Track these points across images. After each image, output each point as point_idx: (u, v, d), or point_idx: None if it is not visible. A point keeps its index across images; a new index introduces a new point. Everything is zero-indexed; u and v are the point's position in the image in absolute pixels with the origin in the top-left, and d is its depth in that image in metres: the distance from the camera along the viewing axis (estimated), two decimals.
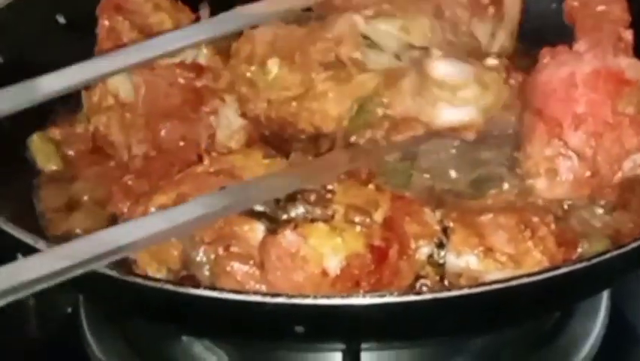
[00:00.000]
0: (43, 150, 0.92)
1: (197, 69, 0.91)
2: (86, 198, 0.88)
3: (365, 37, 0.87)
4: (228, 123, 0.90)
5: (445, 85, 0.81)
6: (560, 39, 0.90)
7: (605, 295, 0.94)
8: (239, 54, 0.91)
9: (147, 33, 0.94)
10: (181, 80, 0.89)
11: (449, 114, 0.82)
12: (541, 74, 0.85)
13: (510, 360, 0.87)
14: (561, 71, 0.84)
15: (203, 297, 0.65)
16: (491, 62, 0.82)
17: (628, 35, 0.90)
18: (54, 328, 0.98)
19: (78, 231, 0.84)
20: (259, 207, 0.74)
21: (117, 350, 0.91)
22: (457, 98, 0.81)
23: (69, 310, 0.96)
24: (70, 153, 0.93)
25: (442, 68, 0.79)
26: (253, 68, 0.89)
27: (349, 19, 0.86)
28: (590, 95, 0.82)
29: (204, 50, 0.92)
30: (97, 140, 0.91)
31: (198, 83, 0.90)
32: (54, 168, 0.92)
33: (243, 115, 0.90)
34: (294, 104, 0.86)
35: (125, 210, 0.79)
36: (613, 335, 0.92)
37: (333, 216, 0.73)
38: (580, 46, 0.87)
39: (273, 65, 0.88)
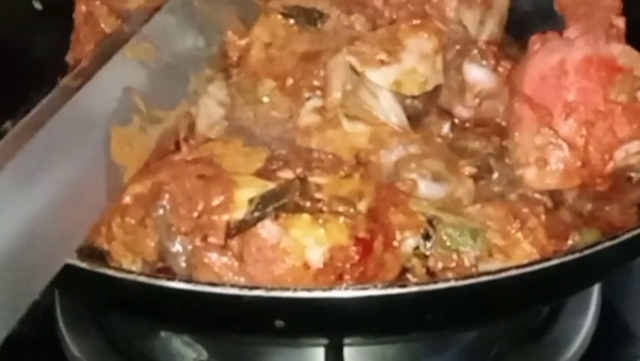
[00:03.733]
0: None
1: None
2: None
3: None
4: (208, 113, 0.88)
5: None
6: (550, 27, 0.88)
7: (596, 290, 0.92)
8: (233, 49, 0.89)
9: (126, 18, 0.91)
10: None
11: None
12: (531, 61, 0.84)
13: (499, 356, 0.85)
14: (551, 57, 0.82)
15: (178, 290, 0.63)
16: (468, 170, 0.80)
17: (620, 22, 0.88)
18: (30, 325, 0.95)
19: None
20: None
21: (94, 346, 0.89)
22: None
23: (45, 307, 0.94)
24: None
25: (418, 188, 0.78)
26: (247, 81, 0.87)
27: (341, 60, 0.83)
28: (581, 83, 0.80)
29: None
30: None
31: None
32: None
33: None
34: (277, 128, 0.84)
35: None
36: (604, 331, 0.91)
37: (320, 209, 0.71)
38: (571, 32, 0.85)
39: (267, 85, 0.85)
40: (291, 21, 0.87)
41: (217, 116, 0.88)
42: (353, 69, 0.82)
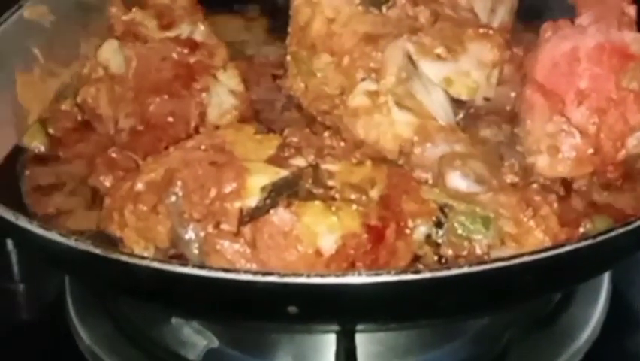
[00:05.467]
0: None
1: (192, 45, 0.89)
2: (70, 176, 0.85)
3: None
4: (220, 102, 0.88)
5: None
6: (561, 14, 0.88)
7: (606, 278, 0.92)
8: (298, 16, 0.89)
9: (142, 5, 0.92)
10: (174, 55, 0.88)
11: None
12: (543, 48, 0.84)
13: (510, 344, 0.85)
14: (564, 45, 0.82)
15: (190, 275, 0.63)
16: (510, 178, 0.79)
17: (631, 10, 0.88)
18: (42, 314, 0.96)
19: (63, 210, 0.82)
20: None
21: (104, 334, 0.89)
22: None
23: (56, 295, 0.94)
24: (56, 131, 0.91)
25: (458, 183, 0.77)
26: (304, 52, 0.87)
27: (401, 46, 0.83)
28: (593, 70, 0.80)
29: (201, 27, 0.91)
30: (84, 112, 0.89)
31: (191, 59, 0.88)
32: (39, 146, 0.90)
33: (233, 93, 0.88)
34: (327, 102, 0.84)
35: (108, 183, 0.77)
36: (614, 320, 0.90)
37: (332, 197, 0.71)
38: (583, 20, 0.85)
39: (323, 60, 0.86)
40: (357, 0, 0.87)
41: (228, 105, 0.88)
42: (410, 59, 0.82)
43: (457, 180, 0.77)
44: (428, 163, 0.79)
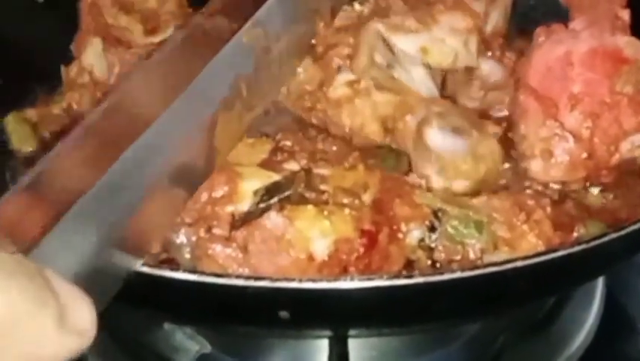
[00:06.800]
0: (18, 131, 0.89)
1: None
2: None
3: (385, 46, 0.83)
4: None
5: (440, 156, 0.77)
6: (555, 19, 0.87)
7: (600, 282, 0.92)
8: None
9: (128, 10, 0.91)
10: None
11: (439, 182, 0.77)
12: (537, 53, 0.83)
13: (503, 349, 0.85)
14: (557, 49, 0.82)
15: (182, 280, 0.62)
16: (492, 128, 0.79)
17: (625, 15, 0.87)
18: None
19: None
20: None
21: (96, 340, 0.88)
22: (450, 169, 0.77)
23: None
24: (47, 134, 0.90)
25: (437, 140, 0.76)
26: None
27: (372, 27, 0.82)
28: (586, 74, 0.80)
29: None
30: (70, 117, 0.88)
31: None
32: (29, 149, 0.89)
33: None
34: (309, 98, 0.83)
35: None
36: (608, 324, 0.90)
37: (325, 201, 0.71)
38: (576, 24, 0.85)
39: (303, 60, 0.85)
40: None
41: None
42: (385, 42, 0.81)
43: (436, 137, 0.76)
44: (411, 135, 0.78)
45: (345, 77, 0.82)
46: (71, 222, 0.54)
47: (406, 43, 0.81)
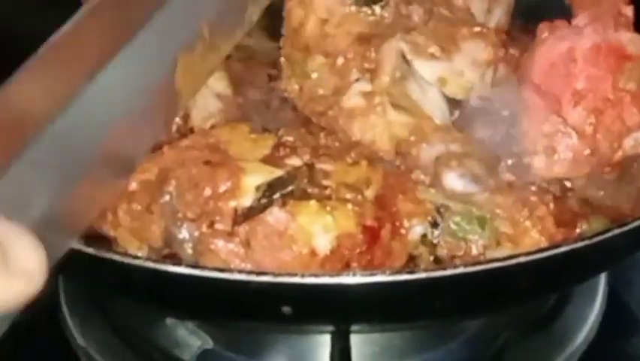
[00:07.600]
0: None
1: None
2: None
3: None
4: (204, 104, 0.86)
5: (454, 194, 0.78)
6: (558, 15, 0.87)
7: (603, 279, 0.92)
8: (291, 17, 0.88)
9: None
10: None
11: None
12: (540, 49, 0.83)
13: (505, 345, 0.85)
14: (560, 46, 0.82)
15: (184, 275, 0.62)
16: (508, 176, 0.79)
17: (628, 11, 0.87)
18: (35, 314, 0.95)
19: None
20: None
21: (98, 334, 0.89)
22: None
23: (49, 296, 0.94)
24: None
25: (456, 185, 0.77)
26: (298, 53, 0.86)
27: (395, 46, 0.82)
28: (590, 71, 0.80)
29: None
30: None
31: None
32: None
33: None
34: (322, 103, 0.84)
35: None
36: (610, 321, 0.90)
37: (328, 196, 0.71)
38: (579, 20, 0.85)
39: (318, 61, 0.85)
40: (349, 1, 0.86)
41: (213, 108, 0.86)
42: (404, 58, 0.81)
43: (454, 181, 0.77)
44: (424, 164, 0.79)
45: (361, 86, 0.82)
46: (24, 164, 0.51)
47: (425, 70, 0.82)
